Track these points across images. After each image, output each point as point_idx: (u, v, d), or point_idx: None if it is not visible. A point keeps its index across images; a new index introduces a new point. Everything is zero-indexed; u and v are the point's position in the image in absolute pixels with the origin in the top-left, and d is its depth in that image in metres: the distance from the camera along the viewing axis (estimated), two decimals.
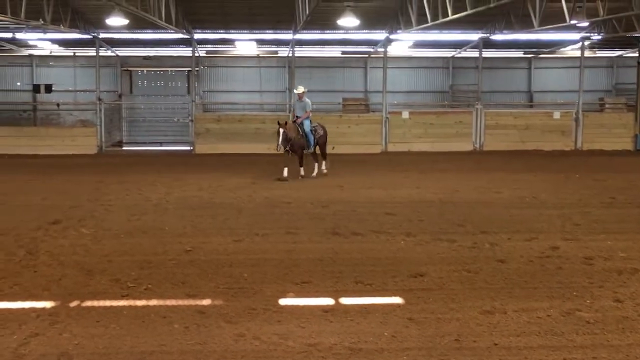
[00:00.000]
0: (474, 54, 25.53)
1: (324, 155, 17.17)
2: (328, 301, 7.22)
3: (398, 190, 14.64)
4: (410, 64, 28.54)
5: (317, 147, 17.00)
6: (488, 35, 23.08)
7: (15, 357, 5.70)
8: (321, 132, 17.04)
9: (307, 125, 16.57)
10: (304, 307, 7.06)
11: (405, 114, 23.27)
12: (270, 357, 5.75)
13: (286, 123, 16.13)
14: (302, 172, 16.38)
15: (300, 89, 16.83)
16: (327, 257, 9.01)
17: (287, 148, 16.05)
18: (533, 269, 8.51)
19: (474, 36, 23.97)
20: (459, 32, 23.64)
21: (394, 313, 6.86)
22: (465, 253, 9.29)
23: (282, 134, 15.75)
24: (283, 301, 7.23)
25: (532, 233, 10.46)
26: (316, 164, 16.87)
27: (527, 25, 18.80)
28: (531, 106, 27.83)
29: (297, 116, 16.82)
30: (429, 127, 22.97)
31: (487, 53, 25.89)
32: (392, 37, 23.02)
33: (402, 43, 25.58)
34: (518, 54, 28.50)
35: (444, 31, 23.13)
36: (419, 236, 10.22)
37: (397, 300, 7.30)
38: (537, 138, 23.04)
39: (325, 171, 16.95)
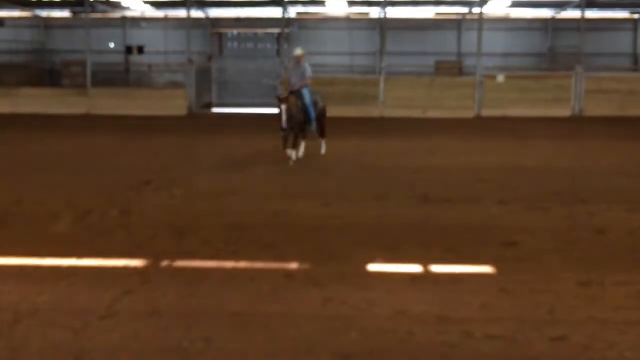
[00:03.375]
0: (576, 14, 24.44)
1: (323, 133, 14.40)
2: (417, 268, 7.07)
3: (491, 156, 14.26)
4: (507, 25, 27.69)
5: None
6: None
7: (108, 314, 5.84)
8: (321, 105, 14.28)
9: (307, 97, 13.66)
10: (392, 273, 6.95)
11: (501, 78, 22.59)
12: (358, 323, 5.67)
13: (288, 97, 13.12)
14: (294, 156, 13.36)
15: (299, 52, 14.00)
16: (417, 223, 8.84)
17: (289, 125, 13.02)
18: (634, 241, 8.08)
19: None
20: None
21: (484, 282, 6.66)
22: (561, 223, 8.91)
23: (286, 111, 12.76)
24: (371, 267, 7.13)
25: (635, 203, 9.92)
26: (303, 143, 14.08)
27: None
28: (636, 70, 26.53)
29: (293, 85, 13.79)
30: (526, 92, 22.23)
31: (590, 13, 24.72)
32: None
33: (499, 3, 24.78)
34: (624, 14, 27.10)
35: None
36: (513, 204, 9.88)
37: (488, 269, 7.07)
38: None
39: (324, 152, 14.40)
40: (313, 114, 13.75)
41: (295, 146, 13.42)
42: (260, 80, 26.61)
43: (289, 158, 13.17)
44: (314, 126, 13.95)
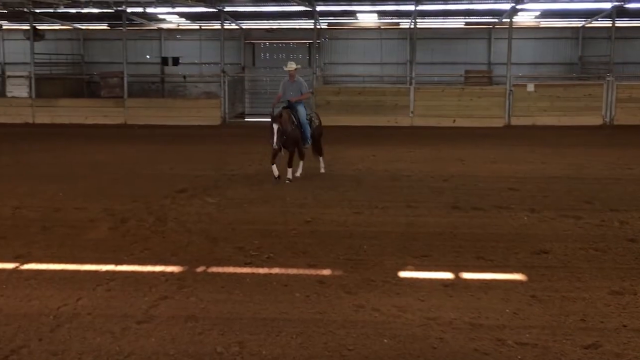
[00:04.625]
0: (606, 23, 24.22)
1: (320, 151, 13.59)
2: (448, 275, 7.12)
3: (522, 165, 14.21)
4: (537, 35, 27.48)
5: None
6: (622, 3, 21.80)
7: (145, 318, 5.98)
8: (317, 122, 13.49)
9: (302, 114, 12.87)
10: (423, 280, 7.00)
11: (531, 87, 22.48)
12: (390, 329, 5.74)
13: (281, 115, 12.33)
14: (290, 175, 12.59)
15: (292, 66, 13.00)
16: (447, 231, 8.88)
17: (280, 144, 12.26)
18: None
19: (607, 4, 22.69)
20: (590, 0, 22.50)
21: (516, 290, 6.68)
22: (593, 231, 8.89)
23: (278, 131, 12.03)
24: (402, 274, 7.19)
25: None
26: (301, 162, 13.21)
27: None
28: None
29: (288, 100, 12.91)
30: (556, 100, 22.10)
31: (620, 22, 24.46)
32: (518, 6, 22.21)
33: (529, 13, 24.65)
34: None
35: (574, 0, 22.11)
36: (544, 212, 9.87)
37: (519, 277, 7.10)
38: None
39: (323, 170, 13.52)
40: (308, 132, 12.93)
41: (291, 165, 12.63)
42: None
43: (273, 175, 12.40)
44: (308, 144, 13.11)
